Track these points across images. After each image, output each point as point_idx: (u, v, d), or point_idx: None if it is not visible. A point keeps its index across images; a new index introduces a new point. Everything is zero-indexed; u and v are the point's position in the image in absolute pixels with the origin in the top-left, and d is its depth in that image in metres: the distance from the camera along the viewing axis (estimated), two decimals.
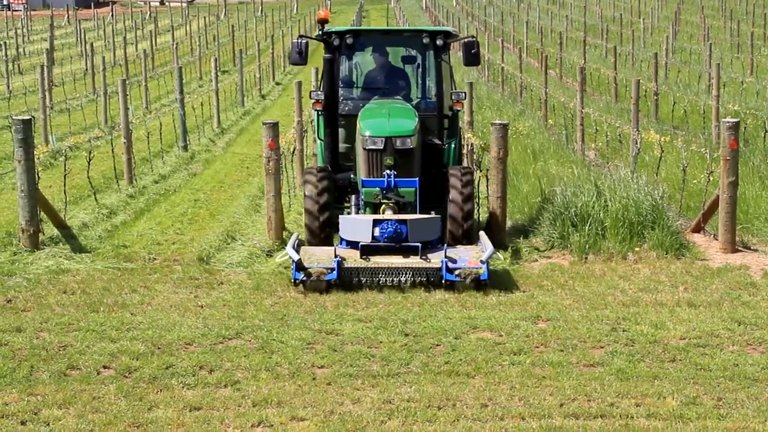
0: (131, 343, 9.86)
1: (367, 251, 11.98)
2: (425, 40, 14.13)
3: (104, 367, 9.24)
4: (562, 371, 9.10)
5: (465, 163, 16.66)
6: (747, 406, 8.33)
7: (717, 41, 51.52)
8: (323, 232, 12.81)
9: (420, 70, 14.51)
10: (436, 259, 11.82)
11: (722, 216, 13.69)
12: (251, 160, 23.47)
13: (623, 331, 10.28)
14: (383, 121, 13.16)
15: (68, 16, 63.98)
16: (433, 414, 8.13)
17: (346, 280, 11.77)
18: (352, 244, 12.18)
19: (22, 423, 7.95)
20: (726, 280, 12.22)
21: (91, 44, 41.08)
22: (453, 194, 12.99)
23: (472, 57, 14.01)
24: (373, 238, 12.10)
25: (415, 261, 11.87)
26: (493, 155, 14.21)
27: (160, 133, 23.28)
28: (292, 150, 19.32)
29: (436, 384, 8.80)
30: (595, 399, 8.45)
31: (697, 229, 14.50)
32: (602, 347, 9.81)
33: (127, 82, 21.28)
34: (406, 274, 11.78)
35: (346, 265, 11.82)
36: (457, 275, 11.66)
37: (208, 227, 15.60)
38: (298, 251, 12.01)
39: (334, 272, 11.71)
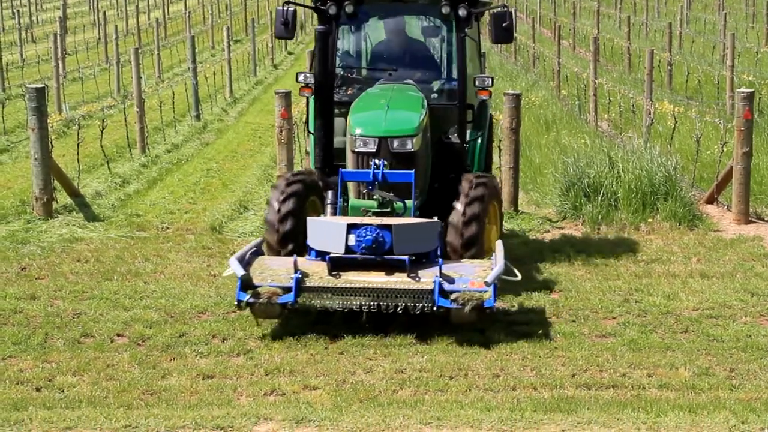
0: (144, 311, 9.91)
1: (338, 266, 9.24)
2: (444, 10, 11.10)
3: (118, 335, 9.30)
4: (573, 342, 9.12)
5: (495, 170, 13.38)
6: (759, 377, 8.34)
7: (732, 11, 51.19)
8: (285, 247, 10.03)
9: (439, 47, 11.67)
10: (428, 278, 9.12)
11: (736, 187, 13.65)
12: (263, 130, 23.46)
13: (635, 302, 10.28)
14: (378, 116, 10.43)
15: None
16: (445, 384, 8.16)
17: (307, 304, 9.20)
18: (324, 256, 9.40)
19: (37, 389, 8.01)
20: (739, 251, 12.19)
21: (104, 13, 41.07)
22: (459, 200, 10.32)
23: (503, 32, 10.95)
24: (347, 248, 9.32)
25: (400, 280, 9.13)
26: (505, 126, 14.17)
27: (173, 103, 23.27)
28: (304, 120, 19.31)
29: (447, 354, 8.82)
30: (607, 369, 8.46)
31: (711, 200, 14.47)
32: (614, 318, 9.82)
33: (139, 51, 21.27)
34: (387, 297, 9.07)
35: (307, 284, 9.14)
36: (453, 300, 8.99)
37: (221, 197, 15.63)
38: (250, 263, 9.52)
39: (291, 293, 9.12)
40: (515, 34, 38.57)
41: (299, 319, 9.57)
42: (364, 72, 11.63)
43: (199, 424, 7.15)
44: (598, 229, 13.35)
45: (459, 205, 10.11)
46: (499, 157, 14.80)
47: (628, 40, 34.32)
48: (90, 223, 13.56)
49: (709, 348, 8.99)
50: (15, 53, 36.09)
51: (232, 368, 8.47)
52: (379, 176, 10.03)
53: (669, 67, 28.42)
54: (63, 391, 7.95)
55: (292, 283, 9.08)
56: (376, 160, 10.05)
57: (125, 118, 19.36)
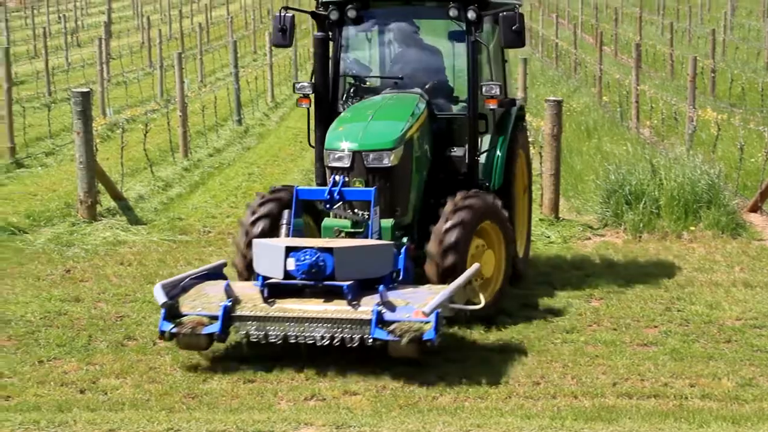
0: None
1: (275, 292, 8.63)
2: (452, 13, 10.31)
3: (160, 338, 9.36)
4: (615, 350, 9.07)
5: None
6: None
7: None
8: (253, 273, 9.17)
9: (450, 53, 10.78)
10: (368, 306, 8.36)
11: None
12: (305, 135, 23.46)
13: (678, 310, 10.22)
14: (355, 129, 9.74)
15: None
16: (485, 391, 8.15)
17: (238, 334, 8.64)
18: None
19: (81, 391, 8.09)
20: None
21: (148, 17, 41.43)
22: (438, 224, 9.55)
23: (513, 35, 10.04)
24: (286, 273, 8.62)
25: (338, 308, 8.42)
26: (546, 132, 14.13)
27: (215, 107, 23.42)
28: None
29: (488, 361, 8.80)
30: (649, 379, 8.42)
31: (754, 208, 14.34)
32: (656, 327, 9.76)
33: (182, 55, 21.43)
34: (322, 327, 8.38)
35: (237, 313, 8.54)
36: (390, 332, 8.22)
37: None
38: (188, 288, 8.86)
39: (217, 323, 8.49)
40: (557, 40, 38.50)
41: None
42: (368, 80, 10.86)
43: (240, 428, 7.20)
44: (640, 236, 13.27)
45: (438, 231, 9.39)
46: (540, 163, 14.75)
47: (670, 47, 34.09)
48: (133, 226, 13.69)
49: (752, 358, 8.91)
50: (61, 57, 36.49)
51: (273, 373, 8.51)
52: (336, 194, 9.34)
53: (712, 74, 28.19)
54: (106, 393, 8.04)
55: (219, 312, 8.48)
56: (336, 177, 9.41)
57: (168, 122, 19.52)
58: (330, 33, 10.63)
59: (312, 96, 10.45)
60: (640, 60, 23.74)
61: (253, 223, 9.61)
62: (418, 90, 10.45)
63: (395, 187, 9.66)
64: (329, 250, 8.55)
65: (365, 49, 10.98)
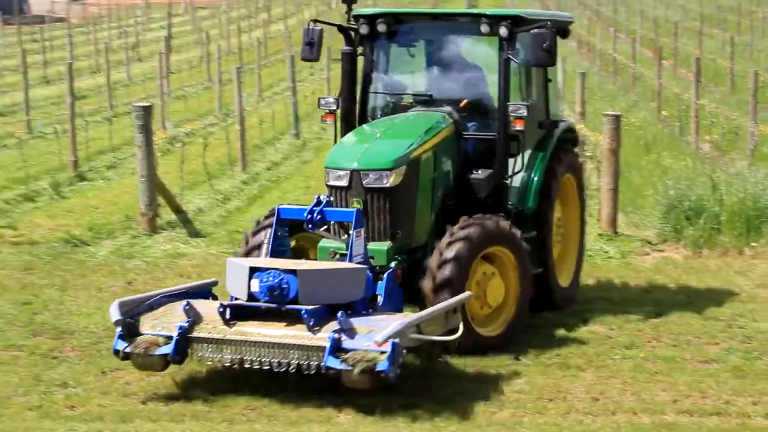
0: None
1: (236, 314, 8.26)
2: (484, 29, 9.92)
3: None
4: (675, 367, 9.00)
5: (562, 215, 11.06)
6: None
7: None
8: None
9: (483, 70, 10.39)
10: (327, 333, 7.97)
11: None
12: None
13: (739, 327, 10.10)
14: (358, 147, 9.47)
15: (185, 5, 65.26)
16: (544, 406, 8.12)
17: (195, 356, 8.26)
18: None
19: (143, 402, 8.18)
20: None
21: (207, 33, 41.83)
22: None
23: (543, 54, 9.55)
24: (250, 294, 8.31)
25: (296, 334, 8.02)
26: (605, 147, 14.05)
27: (273, 121, 23.59)
28: None
29: (546, 376, 8.78)
30: (710, 396, 8.33)
31: None
32: (717, 343, 9.66)
33: (241, 69, 21.63)
34: (279, 353, 7.98)
35: (195, 334, 8.19)
36: (343, 360, 7.82)
37: None
38: (153, 307, 8.54)
39: (171, 344, 8.18)
40: (615, 54, 38.26)
41: None
42: (397, 97, 10.48)
43: None
44: (700, 252, 13.14)
45: (431, 267, 8.98)
46: (599, 178, 14.67)
47: (731, 61, 33.72)
48: (192, 239, 13.83)
49: None
50: (122, 72, 36.96)
51: (332, 385, 8.52)
52: (315, 214, 8.88)
53: None
54: (167, 404, 8.12)
55: (175, 333, 8.17)
56: (321, 196, 9.01)
57: (227, 136, 19.70)
58: (361, 47, 10.40)
59: (339, 112, 10.19)
60: (700, 74, 23.51)
61: (248, 253, 9.44)
62: (448, 108, 10.08)
63: (396, 209, 9.24)
64: (293, 272, 8.19)
65: (396, 65, 10.64)
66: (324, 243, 9.25)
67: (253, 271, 8.25)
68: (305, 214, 8.90)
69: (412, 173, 9.36)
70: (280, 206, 9.10)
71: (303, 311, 8.00)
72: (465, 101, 10.19)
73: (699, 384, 8.58)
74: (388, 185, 9.19)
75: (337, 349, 7.82)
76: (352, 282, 8.39)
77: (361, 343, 7.82)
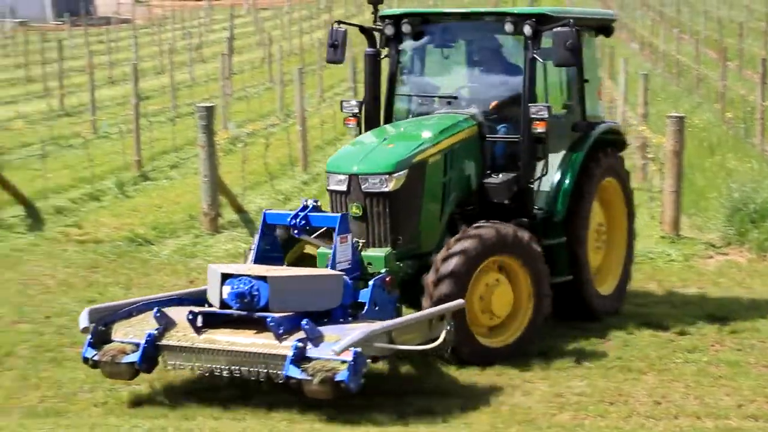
0: None
1: (208, 322, 8.05)
2: (508, 28, 9.67)
3: None
4: (739, 371, 8.89)
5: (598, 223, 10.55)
6: None
7: None
8: None
9: (511, 71, 10.00)
10: (292, 342, 7.70)
11: None
12: None
13: None
14: (359, 151, 9.28)
15: (248, 6, 65.76)
16: (605, 409, 8.07)
17: (166, 365, 8.15)
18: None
19: (205, 400, 8.20)
20: None
21: (269, 34, 42.08)
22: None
23: (565, 54, 9.28)
24: (222, 301, 8.15)
25: (263, 342, 7.78)
26: (668, 149, 13.92)
27: (334, 122, 23.67)
28: None
29: (607, 379, 8.73)
30: None
31: None
32: None
33: (302, 70, 21.75)
34: (245, 362, 7.78)
35: (164, 342, 8.06)
36: (304, 370, 7.54)
37: None
38: (131, 314, 8.37)
39: (138, 352, 8.04)
40: (678, 56, 37.84)
41: None
42: (422, 99, 10.25)
43: None
44: (765, 255, 12.97)
45: (427, 283, 8.75)
46: (661, 180, 14.54)
47: None
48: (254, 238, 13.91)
49: None
50: (185, 73, 37.35)
51: (381, 386, 8.48)
52: (299, 219, 8.74)
53: None
54: (228, 403, 8.16)
55: (142, 340, 8.03)
56: (309, 200, 8.87)
57: (288, 137, 19.82)
58: (387, 48, 10.23)
59: (362, 115, 10.02)
60: (766, 75, 23.19)
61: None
62: (473, 110, 9.82)
63: (396, 214, 8.98)
64: (263, 279, 7.96)
65: (422, 66, 10.40)
66: (323, 250, 8.96)
67: (225, 277, 8.07)
68: (288, 219, 8.76)
69: (415, 177, 9.11)
70: (267, 211, 8.96)
71: (269, 319, 7.75)
72: (495, 103, 9.94)
73: (764, 389, 8.47)
74: (387, 190, 8.94)
75: (301, 358, 7.54)
76: (328, 289, 8.16)
77: (324, 352, 7.54)
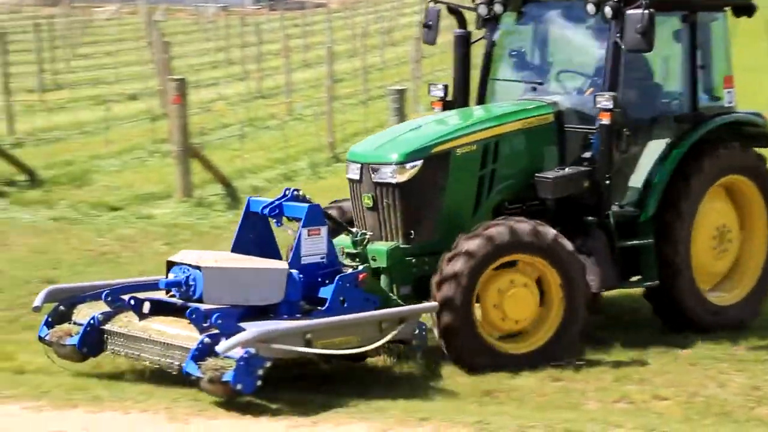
0: None
1: (157, 309, 7.84)
2: (590, 8, 8.92)
3: None
4: None
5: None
6: None
7: None
8: None
9: (600, 56, 9.20)
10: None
11: None
12: None
13: None
14: (380, 139, 8.95)
15: None
16: None
17: (106, 350, 7.91)
18: None
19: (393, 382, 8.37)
20: None
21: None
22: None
23: (636, 38, 8.52)
24: (168, 289, 7.95)
25: (188, 335, 7.46)
26: None
27: None
28: None
29: None
30: None
31: None
32: None
33: None
34: (165, 353, 7.50)
35: (107, 327, 7.85)
36: (200, 367, 7.16)
37: None
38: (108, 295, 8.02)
39: (79, 334, 7.87)
40: None
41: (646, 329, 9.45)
42: (508, 84, 9.71)
43: (549, 426, 7.18)
44: None
45: (432, 285, 8.21)
46: None
47: None
48: None
49: None
50: (376, 56, 37.82)
51: (580, 372, 8.46)
52: (275, 206, 8.22)
53: None
54: (419, 382, 8.18)
55: (84, 323, 7.85)
56: (291, 189, 8.30)
57: None
58: (484, 29, 9.76)
59: (450, 99, 9.60)
60: None
61: None
62: (557, 98, 9.18)
63: (408, 207, 8.46)
64: (199, 268, 7.66)
65: (517, 49, 9.78)
66: (338, 240, 8.53)
67: (171, 265, 7.91)
68: (261, 208, 8.28)
69: (434, 169, 8.55)
70: (251, 198, 8.56)
71: (189, 310, 7.42)
72: (590, 90, 9.26)
73: None
74: (396, 181, 8.44)
75: (208, 353, 7.16)
76: (268, 283, 7.71)
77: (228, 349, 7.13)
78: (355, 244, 8.45)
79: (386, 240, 8.56)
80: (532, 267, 8.37)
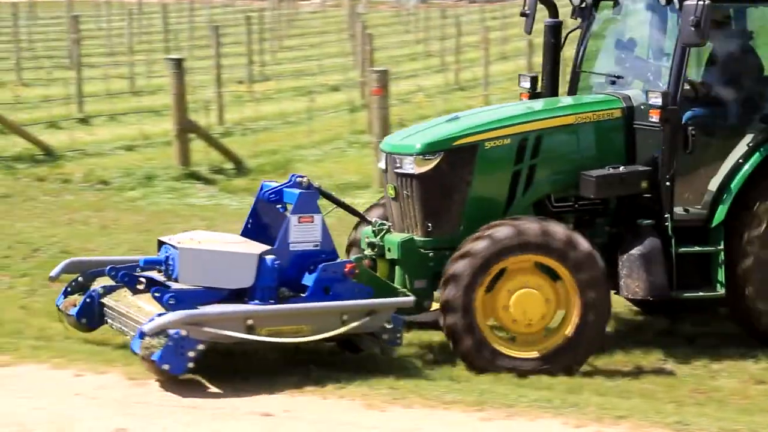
0: None
1: (150, 285, 8.02)
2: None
3: None
4: None
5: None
6: None
7: None
8: None
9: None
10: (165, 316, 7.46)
11: None
12: None
13: None
14: (411, 129, 9.00)
15: None
16: None
17: (103, 322, 8.18)
18: None
19: (590, 375, 8.25)
20: None
21: None
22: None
23: (689, 31, 8.03)
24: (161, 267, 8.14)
25: (150, 312, 7.65)
26: None
27: None
28: None
29: None
30: None
31: None
32: None
33: None
34: (134, 330, 7.57)
35: (104, 300, 8.15)
36: (141, 346, 7.32)
37: None
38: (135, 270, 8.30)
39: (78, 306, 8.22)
40: None
41: None
42: (595, 77, 9.36)
43: (754, 429, 7.01)
44: None
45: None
46: None
47: None
48: None
49: None
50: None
51: None
52: (271, 192, 8.29)
53: None
54: (614, 379, 8.15)
55: (84, 296, 8.20)
56: (298, 175, 8.21)
57: None
58: (580, 19, 9.37)
59: (539, 91, 9.32)
60: None
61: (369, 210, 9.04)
62: (633, 92, 8.74)
63: (426, 200, 8.27)
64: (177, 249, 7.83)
65: (610, 40, 9.43)
66: (364, 230, 8.68)
67: (161, 244, 8.11)
68: (262, 193, 8.34)
69: (457, 161, 8.29)
70: (264, 181, 8.62)
71: (153, 288, 7.66)
72: (647, 82, 8.87)
73: None
74: (415, 172, 8.28)
75: (144, 331, 7.28)
76: (238, 267, 7.72)
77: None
78: (374, 234, 8.45)
79: (407, 232, 8.43)
80: (545, 268, 8.03)
